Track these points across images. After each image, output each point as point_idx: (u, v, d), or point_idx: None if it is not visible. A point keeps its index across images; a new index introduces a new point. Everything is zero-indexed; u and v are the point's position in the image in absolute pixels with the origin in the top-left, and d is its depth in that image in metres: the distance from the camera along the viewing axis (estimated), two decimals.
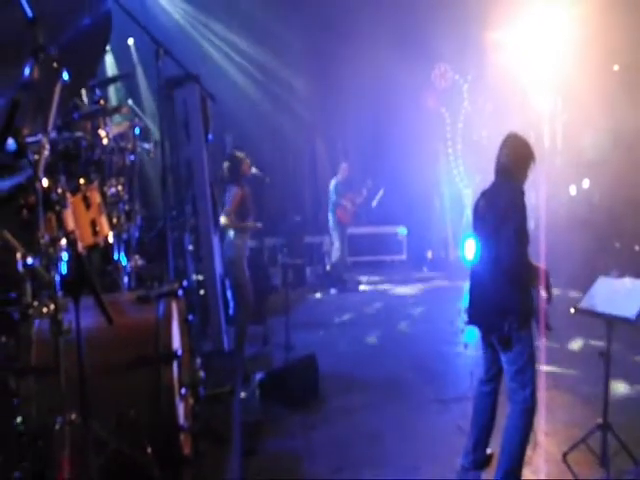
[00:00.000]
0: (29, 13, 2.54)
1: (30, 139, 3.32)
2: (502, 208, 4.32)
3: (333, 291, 11.96)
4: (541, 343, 4.45)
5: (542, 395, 4.64)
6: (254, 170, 7.09)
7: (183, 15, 12.91)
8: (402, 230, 14.43)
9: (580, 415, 5.58)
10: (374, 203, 14.05)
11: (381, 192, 13.96)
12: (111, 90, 10.94)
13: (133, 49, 11.99)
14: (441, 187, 14.87)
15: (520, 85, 12.43)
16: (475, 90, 14.12)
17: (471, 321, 4.62)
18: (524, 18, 12.30)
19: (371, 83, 13.11)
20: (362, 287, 12.35)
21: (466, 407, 5.40)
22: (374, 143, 14.32)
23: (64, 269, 3.08)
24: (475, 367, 6.50)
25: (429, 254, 14.58)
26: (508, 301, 4.29)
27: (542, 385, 4.58)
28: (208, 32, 13.06)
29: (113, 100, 10.21)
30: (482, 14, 11.93)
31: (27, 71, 2.95)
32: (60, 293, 2.94)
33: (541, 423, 5.16)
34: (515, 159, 4.44)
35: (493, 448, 4.67)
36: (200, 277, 6.06)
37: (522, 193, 4.35)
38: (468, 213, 13.61)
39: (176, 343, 3.38)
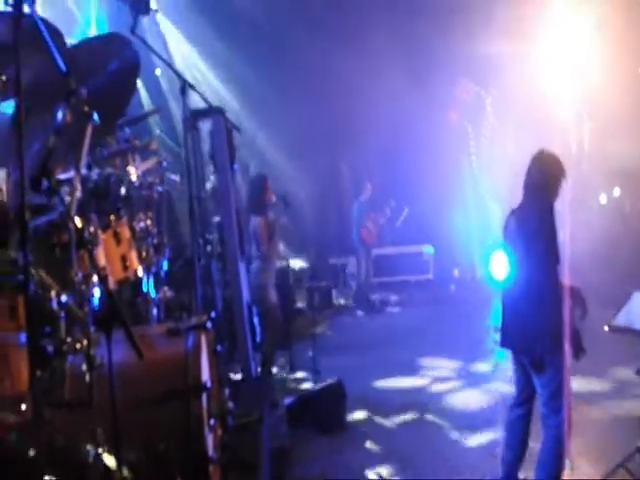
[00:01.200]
0: (63, 67, 2.65)
1: (62, 176, 3.44)
2: (532, 228, 4.33)
3: (360, 313, 11.98)
4: (573, 364, 4.38)
5: (576, 416, 4.58)
6: (275, 198, 7.20)
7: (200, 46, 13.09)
8: (428, 249, 14.40)
9: (617, 437, 5.44)
10: (398, 223, 14.08)
11: (405, 211, 13.99)
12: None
13: (162, 79, 12.18)
14: (467, 203, 14.85)
15: (544, 94, 12.36)
16: (499, 102, 14.07)
17: (503, 343, 4.59)
18: (545, 26, 12.26)
19: (393, 101, 13.14)
20: (389, 308, 12.36)
21: (498, 431, 5.38)
22: (397, 161, 14.34)
23: (96, 305, 3.18)
24: (505, 385, 6.48)
25: (456, 272, 14.53)
26: (540, 323, 4.26)
27: (576, 406, 4.50)
28: (228, 58, 13.18)
29: (153, 128, 10.32)
30: (503, 26, 11.92)
31: (60, 115, 3.06)
32: (92, 328, 3.04)
33: (576, 445, 5.06)
34: (546, 177, 4.42)
35: (526, 473, 4.64)
36: (227, 305, 6.14)
37: (552, 211, 4.36)
38: (495, 228, 13.56)
39: (205, 375, 3.44)
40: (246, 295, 6.28)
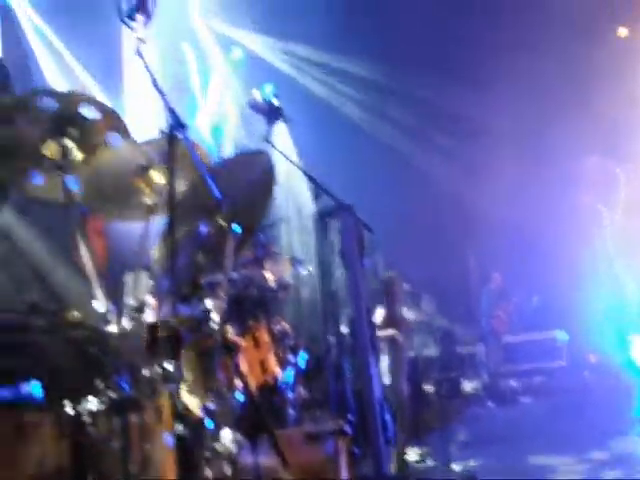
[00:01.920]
0: (218, 195, 2.84)
1: (205, 280, 3.61)
2: None
3: (490, 403, 11.60)
4: None
5: None
6: (405, 288, 7.23)
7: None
8: (561, 335, 13.79)
9: None
10: (529, 309, 13.68)
11: (535, 299, 13.59)
12: None
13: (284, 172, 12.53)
14: (601, 284, 14.22)
15: None
16: (634, 173, 13.49)
17: None
18: None
19: (519, 184, 12.97)
20: (521, 398, 11.90)
21: None
22: (525, 247, 14.01)
23: (240, 411, 3.29)
24: None
25: (591, 358, 13.84)
26: None
27: None
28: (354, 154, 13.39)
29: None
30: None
31: (203, 230, 3.27)
32: (236, 433, 3.13)
33: None
34: None
35: None
36: (359, 400, 6.13)
37: None
38: (632, 310, 12.91)
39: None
40: (377, 390, 6.25)
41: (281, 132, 12.63)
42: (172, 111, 2.79)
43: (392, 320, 6.85)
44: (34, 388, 3.38)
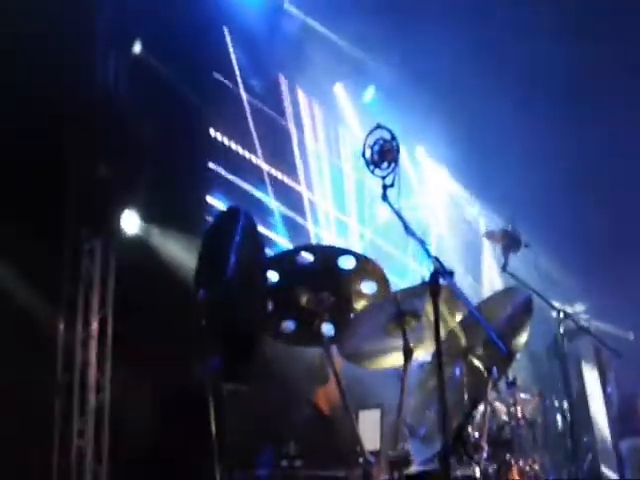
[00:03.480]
0: (503, 348, 2.78)
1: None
2: None
3: None
4: None
5: None
6: None
7: None
8: None
9: None
10: None
11: None
12: None
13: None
14: None
15: None
16: None
17: None
18: None
19: None
20: None
21: None
22: None
23: None
24: None
25: None
26: None
27: None
28: None
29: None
30: None
31: (457, 372, 3.21)
32: None
33: None
34: None
35: None
36: None
37: None
38: None
39: None
40: None
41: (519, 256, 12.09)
42: (436, 259, 2.77)
43: None
44: None
